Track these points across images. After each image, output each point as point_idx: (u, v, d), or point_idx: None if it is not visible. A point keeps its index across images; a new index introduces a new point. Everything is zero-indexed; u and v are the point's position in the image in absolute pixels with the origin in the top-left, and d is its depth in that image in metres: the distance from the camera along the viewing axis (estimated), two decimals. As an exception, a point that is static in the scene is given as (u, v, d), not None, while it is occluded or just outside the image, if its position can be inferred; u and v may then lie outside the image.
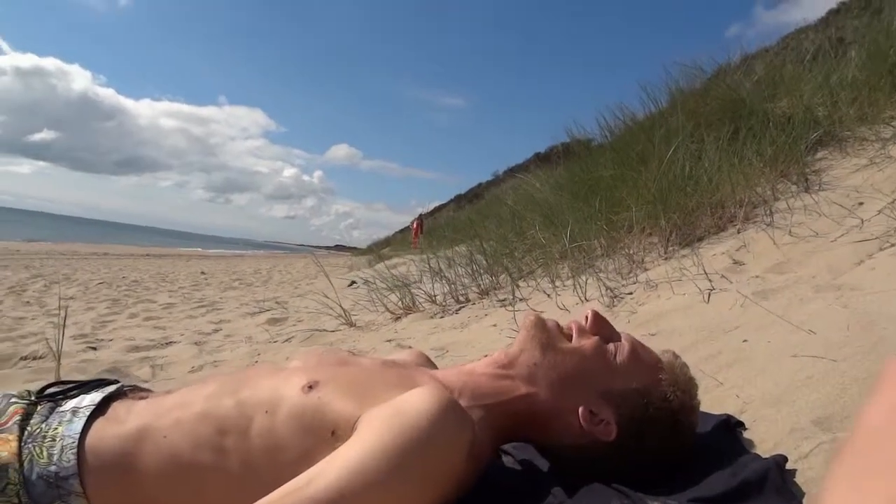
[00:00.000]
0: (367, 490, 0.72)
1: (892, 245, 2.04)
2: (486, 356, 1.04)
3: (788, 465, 0.91)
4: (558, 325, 1.01)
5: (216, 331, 3.97)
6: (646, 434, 0.92)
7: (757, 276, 2.22)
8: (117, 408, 0.97)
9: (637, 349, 0.98)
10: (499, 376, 0.98)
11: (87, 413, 0.94)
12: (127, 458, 0.89)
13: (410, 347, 2.64)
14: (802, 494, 0.85)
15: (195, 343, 3.38)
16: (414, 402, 0.80)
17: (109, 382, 1.08)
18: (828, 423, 1.02)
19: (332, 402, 0.86)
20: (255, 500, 0.76)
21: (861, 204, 2.57)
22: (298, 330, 3.59)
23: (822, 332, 1.45)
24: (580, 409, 0.92)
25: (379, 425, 0.78)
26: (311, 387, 0.89)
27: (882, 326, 1.37)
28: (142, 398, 1.01)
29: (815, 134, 3.54)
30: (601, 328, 1.00)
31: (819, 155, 3.52)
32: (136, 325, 4.35)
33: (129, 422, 0.93)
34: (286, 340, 3.27)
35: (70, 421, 0.93)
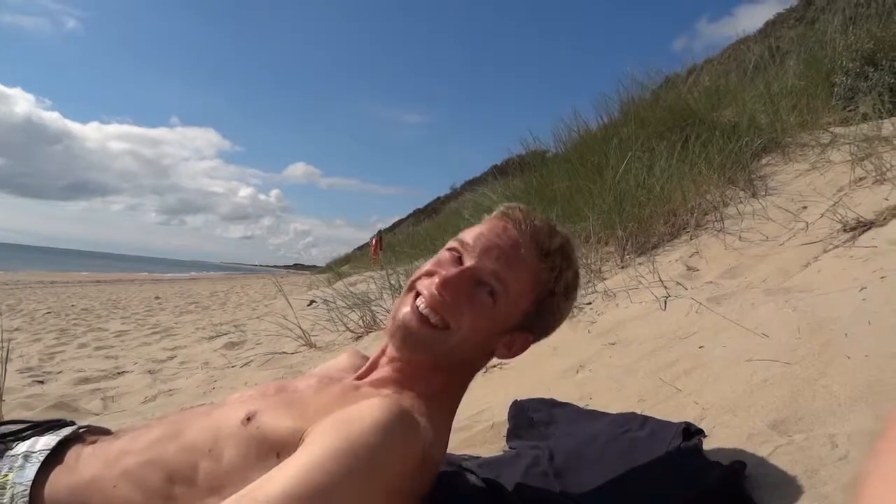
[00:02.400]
0: (316, 493, 0.68)
1: (836, 247, 2.11)
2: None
3: (747, 471, 0.92)
4: (420, 313, 0.91)
5: (171, 358, 3.86)
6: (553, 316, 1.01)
7: (710, 282, 2.27)
8: (70, 454, 0.93)
9: (508, 282, 0.90)
10: (403, 372, 0.95)
11: (41, 459, 0.90)
12: None
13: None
14: (761, 501, 0.86)
15: (149, 371, 3.27)
16: (364, 410, 0.78)
17: (65, 424, 1.03)
18: (784, 427, 1.04)
19: (271, 426, 0.84)
20: None
21: (805, 208, 2.66)
22: (257, 353, 3.51)
23: (775, 336, 1.49)
24: (497, 350, 0.98)
25: (329, 432, 0.76)
26: (249, 419, 0.86)
27: (830, 327, 1.41)
28: (92, 443, 0.96)
29: (760, 141, 3.66)
30: (461, 286, 0.90)
31: (764, 161, 3.64)
32: (87, 355, 4.20)
33: (79, 470, 0.89)
34: (244, 365, 3.20)
35: (22, 467, 0.89)
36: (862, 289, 1.63)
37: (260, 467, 0.81)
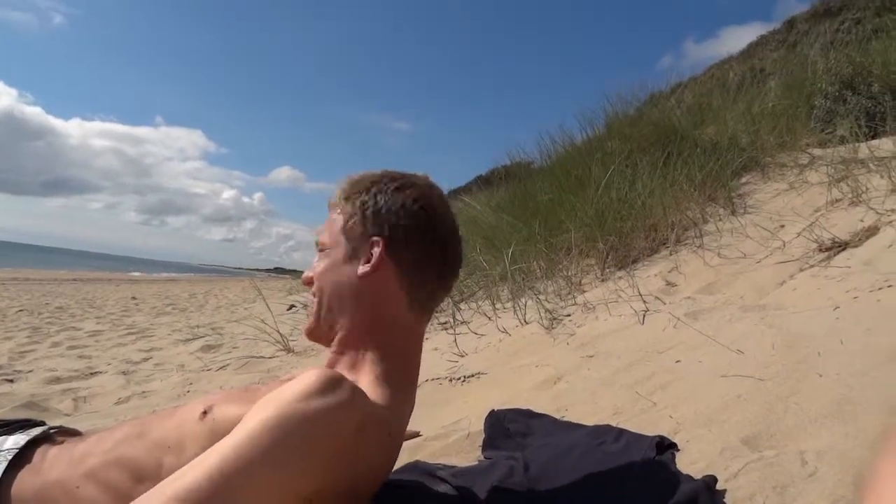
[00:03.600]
0: (246, 467, 0.67)
1: (811, 266, 2.15)
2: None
3: (719, 485, 0.93)
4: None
5: (146, 359, 3.80)
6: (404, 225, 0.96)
7: (688, 297, 2.30)
8: (37, 455, 0.92)
9: (325, 230, 1.02)
10: (339, 349, 0.98)
11: (8, 458, 0.89)
12: None
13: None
14: (732, 515, 0.87)
15: (122, 373, 3.21)
16: (294, 381, 0.78)
17: (36, 424, 1.02)
18: (755, 442, 1.05)
19: (223, 416, 0.84)
20: None
21: (782, 227, 2.71)
22: (234, 357, 3.47)
23: (750, 352, 1.51)
24: (358, 270, 0.95)
25: (256, 408, 0.75)
26: (206, 412, 0.87)
27: (804, 345, 1.43)
28: (59, 444, 0.95)
29: (740, 160, 3.72)
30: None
31: (743, 179, 3.70)
32: (59, 354, 4.11)
33: (44, 471, 0.89)
34: (220, 368, 3.16)
35: None
36: (835, 308, 1.66)
37: None
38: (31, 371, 3.32)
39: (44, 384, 2.93)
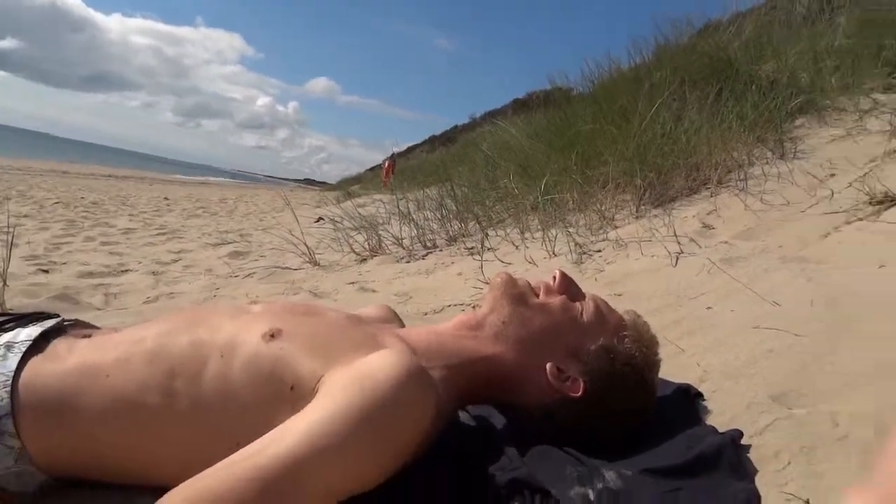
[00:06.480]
0: (323, 456, 0.68)
1: (860, 219, 2.05)
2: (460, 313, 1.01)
3: (744, 441, 0.90)
4: (528, 283, 1.01)
5: (175, 261, 3.87)
6: (612, 390, 0.92)
7: (725, 242, 2.22)
8: (57, 345, 0.91)
9: (602, 308, 0.99)
10: (465, 337, 0.97)
11: (23, 349, 0.88)
12: (65, 398, 0.83)
13: (374, 291, 2.60)
14: (756, 471, 0.85)
15: (152, 272, 3.28)
16: (378, 367, 0.77)
17: (48, 316, 1.01)
18: (785, 399, 1.02)
19: (294, 356, 0.82)
20: (205, 444, 0.78)
21: (833, 175, 2.57)
22: (260, 266, 3.51)
23: (786, 305, 1.45)
24: (548, 366, 0.92)
25: (340, 390, 0.75)
26: (272, 335, 0.85)
27: (845, 303, 1.37)
28: (85, 336, 0.95)
29: (797, 101, 3.51)
30: (568, 288, 1.02)
31: (798, 122, 3.50)
32: (92, 249, 4.22)
33: (69, 360, 0.87)
34: (247, 276, 3.20)
35: (3, 357, 0.87)
36: (881, 266, 1.58)
37: (269, 388, 0.81)
38: (65, 263, 3.41)
39: (77, 277, 3.01)
